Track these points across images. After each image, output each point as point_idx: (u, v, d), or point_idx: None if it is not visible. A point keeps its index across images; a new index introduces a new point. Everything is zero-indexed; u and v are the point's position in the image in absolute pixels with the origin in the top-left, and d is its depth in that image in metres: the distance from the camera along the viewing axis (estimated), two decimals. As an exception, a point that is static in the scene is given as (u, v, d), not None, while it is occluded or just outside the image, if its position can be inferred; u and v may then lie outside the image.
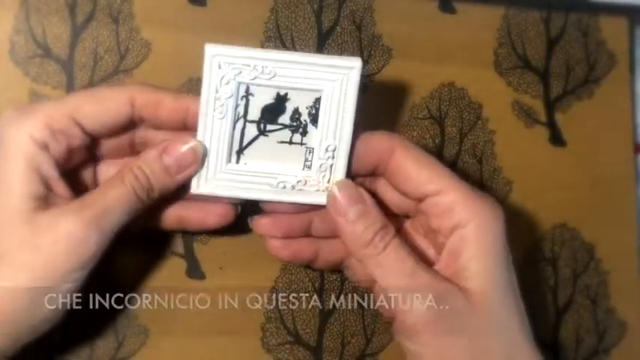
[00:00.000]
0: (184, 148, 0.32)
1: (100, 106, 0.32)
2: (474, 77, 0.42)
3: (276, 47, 0.39)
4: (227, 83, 0.31)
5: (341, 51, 0.40)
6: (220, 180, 0.33)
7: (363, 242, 0.32)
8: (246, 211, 0.36)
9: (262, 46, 0.39)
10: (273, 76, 0.32)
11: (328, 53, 0.40)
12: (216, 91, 0.32)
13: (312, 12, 0.40)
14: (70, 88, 0.37)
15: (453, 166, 0.41)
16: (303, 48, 0.40)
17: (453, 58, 0.42)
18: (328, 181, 0.33)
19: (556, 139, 0.44)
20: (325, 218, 0.35)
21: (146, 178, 0.32)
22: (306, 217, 0.35)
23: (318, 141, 0.33)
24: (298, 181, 0.34)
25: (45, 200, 0.30)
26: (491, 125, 0.42)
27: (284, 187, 0.34)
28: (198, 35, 0.39)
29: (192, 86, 0.38)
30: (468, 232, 0.32)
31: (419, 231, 0.36)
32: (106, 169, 0.35)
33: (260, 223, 0.35)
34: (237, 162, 0.33)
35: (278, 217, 0.35)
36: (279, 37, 0.40)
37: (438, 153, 0.41)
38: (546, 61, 0.44)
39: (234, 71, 0.31)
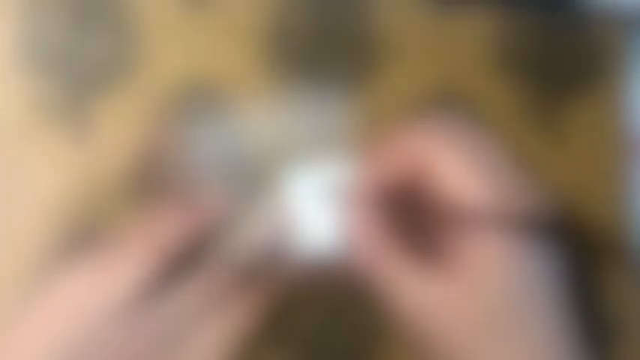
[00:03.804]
0: None
1: None
2: (473, 78, 0.43)
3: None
4: None
5: (340, 52, 0.41)
6: None
7: None
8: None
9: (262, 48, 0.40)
10: None
11: (328, 55, 0.41)
12: None
13: (311, 13, 0.41)
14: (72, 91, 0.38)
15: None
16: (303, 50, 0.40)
17: (451, 59, 0.42)
18: None
19: (553, 139, 0.44)
20: None
21: None
22: None
23: None
24: None
25: None
26: (489, 126, 0.43)
27: None
28: (198, 37, 0.39)
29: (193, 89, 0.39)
30: None
31: None
32: None
33: None
34: None
35: None
36: (278, 39, 0.40)
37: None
38: (544, 61, 0.44)
39: None
